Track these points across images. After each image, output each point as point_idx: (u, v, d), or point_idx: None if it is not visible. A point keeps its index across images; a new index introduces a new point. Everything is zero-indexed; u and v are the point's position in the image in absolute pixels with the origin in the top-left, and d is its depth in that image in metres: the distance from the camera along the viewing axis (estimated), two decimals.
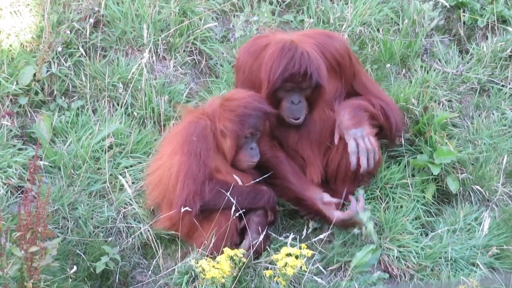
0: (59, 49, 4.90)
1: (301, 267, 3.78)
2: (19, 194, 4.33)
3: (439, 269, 4.43)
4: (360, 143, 4.29)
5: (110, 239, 4.30)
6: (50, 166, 4.50)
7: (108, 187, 4.44)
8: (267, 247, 4.24)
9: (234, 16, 5.42)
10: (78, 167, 4.50)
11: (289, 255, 3.78)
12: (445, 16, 5.65)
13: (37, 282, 3.59)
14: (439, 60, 5.41)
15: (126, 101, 4.86)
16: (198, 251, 4.09)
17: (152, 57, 5.08)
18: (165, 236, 4.30)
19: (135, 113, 4.84)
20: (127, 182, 4.34)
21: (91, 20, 5.04)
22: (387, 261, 4.45)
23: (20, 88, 4.73)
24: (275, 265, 3.84)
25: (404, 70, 5.32)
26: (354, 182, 4.50)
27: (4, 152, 4.45)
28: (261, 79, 4.27)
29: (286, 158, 4.37)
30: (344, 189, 4.39)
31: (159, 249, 4.27)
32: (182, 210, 3.99)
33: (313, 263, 4.17)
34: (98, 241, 4.22)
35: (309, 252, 3.82)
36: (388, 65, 5.21)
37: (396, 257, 4.44)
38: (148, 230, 4.30)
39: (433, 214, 4.74)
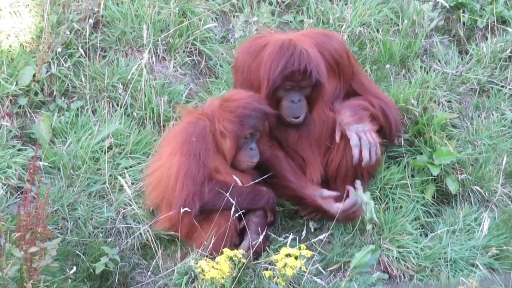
0: (59, 49, 4.90)
1: (300, 267, 3.78)
2: (18, 194, 4.32)
3: (438, 270, 4.43)
4: (362, 136, 4.27)
5: (109, 239, 4.30)
6: (50, 167, 4.49)
7: (107, 188, 4.44)
8: (267, 247, 4.24)
9: (233, 17, 5.42)
10: (77, 167, 4.50)
11: (288, 255, 3.78)
12: (444, 16, 5.65)
13: (36, 283, 3.59)
14: (439, 60, 5.41)
15: (126, 102, 4.86)
16: (198, 251, 4.09)
17: (151, 57, 5.07)
18: (164, 236, 4.30)
19: (134, 114, 4.84)
20: (126, 183, 4.34)
21: (91, 21, 5.03)
22: (387, 262, 4.46)
23: (19, 89, 4.73)
24: (275, 265, 3.83)
25: (403, 70, 5.32)
26: (354, 182, 4.49)
27: (4, 152, 4.45)
28: (260, 79, 4.27)
29: (285, 157, 4.37)
30: (344, 190, 4.38)
31: (158, 249, 4.27)
32: (182, 210, 3.99)
33: (312, 264, 4.17)
34: (97, 241, 4.22)
35: (308, 253, 3.82)
36: (388, 65, 5.21)
37: (396, 258, 4.45)
38: (148, 231, 4.30)
39: (433, 215, 4.74)
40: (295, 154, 4.43)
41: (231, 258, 3.78)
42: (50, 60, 4.87)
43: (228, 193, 4.03)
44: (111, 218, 4.36)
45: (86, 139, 4.60)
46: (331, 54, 4.38)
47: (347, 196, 4.29)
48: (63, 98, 4.89)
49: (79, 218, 4.30)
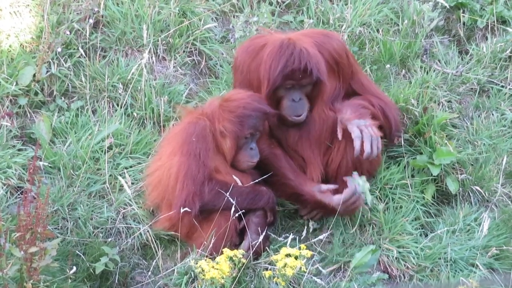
0: (59, 49, 4.90)
1: (300, 267, 3.78)
2: (18, 194, 4.32)
3: (438, 270, 4.43)
4: (363, 129, 4.25)
5: (109, 239, 4.30)
6: (50, 167, 4.50)
7: (107, 188, 4.44)
8: (267, 247, 4.24)
9: (233, 17, 5.42)
10: (77, 167, 4.50)
11: (288, 255, 3.78)
12: (444, 16, 5.65)
13: (36, 283, 3.59)
14: (439, 60, 5.41)
15: (126, 102, 4.86)
16: (198, 251, 4.09)
17: (151, 57, 5.08)
18: (164, 236, 4.30)
19: (134, 114, 4.84)
20: (126, 183, 4.34)
21: (91, 21, 5.03)
22: (387, 262, 4.46)
23: (19, 89, 4.73)
24: (275, 265, 3.83)
25: (403, 70, 5.32)
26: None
27: (4, 152, 4.45)
28: (260, 79, 4.27)
29: (283, 155, 4.36)
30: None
31: (158, 249, 4.27)
32: (182, 210, 3.99)
33: (312, 264, 4.17)
34: (97, 241, 4.22)
35: (308, 253, 3.82)
36: (388, 65, 5.21)
37: (396, 258, 4.45)
38: (148, 231, 4.30)
39: (433, 215, 4.74)
40: (295, 154, 4.43)
41: (231, 258, 3.78)
42: (50, 60, 4.87)
43: (228, 193, 4.03)
44: (111, 218, 4.36)
45: (86, 139, 4.60)
46: (330, 54, 4.38)
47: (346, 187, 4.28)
48: (63, 98, 4.89)
49: (79, 218, 4.30)
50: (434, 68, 5.31)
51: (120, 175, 4.48)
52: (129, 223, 4.36)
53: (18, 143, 4.59)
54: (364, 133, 4.24)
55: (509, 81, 5.33)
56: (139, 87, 4.87)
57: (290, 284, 4.14)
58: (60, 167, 4.47)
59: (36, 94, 4.80)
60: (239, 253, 3.80)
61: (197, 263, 3.79)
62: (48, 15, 4.95)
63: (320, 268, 4.24)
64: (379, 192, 4.64)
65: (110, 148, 4.60)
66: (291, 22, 5.49)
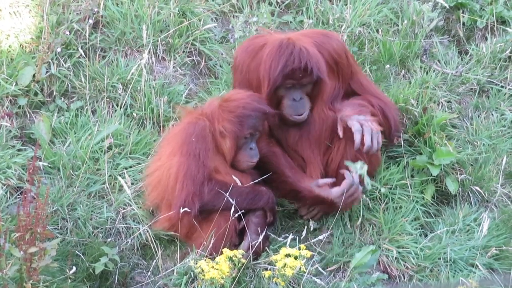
0: (59, 50, 4.90)
1: (300, 268, 3.78)
2: (18, 195, 4.32)
3: (438, 270, 4.43)
4: (364, 123, 4.24)
5: (109, 239, 4.30)
6: (49, 167, 4.50)
7: (107, 188, 4.44)
8: (266, 248, 4.24)
9: (233, 17, 5.42)
10: (77, 167, 4.50)
11: (288, 255, 3.78)
12: (444, 17, 5.65)
13: (36, 283, 3.60)
14: (439, 61, 5.41)
15: (126, 102, 4.86)
16: (197, 251, 4.09)
17: (151, 58, 5.08)
18: (164, 236, 4.30)
19: (134, 114, 4.84)
20: (126, 183, 4.34)
21: (91, 21, 5.04)
22: (386, 262, 4.46)
23: (19, 89, 4.73)
24: (274, 266, 3.83)
25: (403, 71, 5.32)
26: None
27: (4, 153, 4.45)
28: (260, 78, 4.27)
29: (282, 153, 4.36)
30: None
31: (158, 249, 4.27)
32: (181, 211, 3.99)
33: (312, 264, 4.17)
34: (97, 241, 4.22)
35: (308, 253, 3.81)
36: (388, 66, 5.21)
37: (395, 258, 4.45)
38: (147, 231, 4.30)
39: (432, 215, 4.74)
40: (295, 154, 4.43)
41: (230, 258, 3.78)
42: (50, 60, 4.87)
43: (227, 193, 4.03)
44: (110, 218, 4.36)
45: (86, 139, 4.60)
46: (330, 54, 4.38)
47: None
48: (62, 98, 4.89)
49: (79, 218, 4.30)
50: (434, 68, 5.31)
51: (120, 175, 4.48)
52: (129, 223, 4.36)
53: (17, 143, 4.59)
54: (364, 127, 4.23)
55: (508, 81, 5.33)
56: (138, 88, 4.88)
57: (290, 284, 4.14)
58: (60, 167, 4.47)
59: (35, 94, 4.80)
60: (238, 253, 3.80)
61: (196, 263, 3.79)
62: (47, 15, 4.95)
63: (320, 269, 4.24)
64: (378, 192, 4.64)
65: (109, 148, 4.60)
66: (290, 22, 5.49)
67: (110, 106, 4.89)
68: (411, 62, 5.32)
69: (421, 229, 4.64)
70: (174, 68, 5.14)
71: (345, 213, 4.56)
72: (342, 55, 4.44)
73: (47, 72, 4.84)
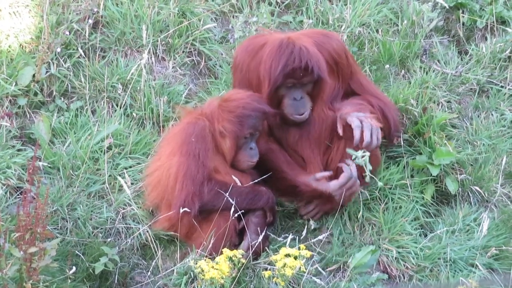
0: (58, 50, 4.90)
1: (300, 267, 3.78)
2: (18, 195, 4.32)
3: (438, 270, 4.43)
4: (363, 120, 4.24)
5: (109, 239, 4.30)
6: (49, 167, 4.50)
7: (107, 188, 4.44)
8: (266, 247, 4.24)
9: (233, 17, 5.42)
10: (77, 167, 4.50)
11: (288, 255, 3.78)
12: (444, 17, 5.66)
13: (36, 283, 3.60)
14: (438, 61, 5.41)
15: (125, 102, 4.86)
16: (197, 251, 4.09)
17: (151, 58, 5.08)
18: (164, 236, 4.30)
19: (134, 114, 4.84)
20: (126, 183, 4.34)
21: (90, 21, 5.04)
22: (386, 262, 4.45)
23: (19, 89, 4.73)
24: (274, 265, 3.83)
25: (403, 71, 5.32)
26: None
27: (3, 153, 4.45)
28: (260, 78, 4.27)
29: (279, 149, 4.36)
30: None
31: (158, 249, 4.27)
32: (181, 211, 3.99)
33: (312, 264, 4.16)
34: (97, 241, 4.22)
35: (308, 253, 3.81)
36: (387, 66, 5.21)
37: (395, 258, 4.45)
38: (147, 231, 4.29)
39: (432, 215, 4.74)
40: (295, 153, 4.43)
41: (230, 258, 3.78)
42: (50, 60, 4.87)
43: (227, 193, 4.03)
44: (110, 218, 4.36)
45: (86, 139, 4.60)
46: (330, 54, 4.38)
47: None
48: (62, 98, 4.89)
49: (79, 218, 4.30)
50: (434, 68, 5.31)
51: (120, 175, 4.48)
52: (129, 223, 4.36)
53: (17, 143, 4.59)
54: (364, 123, 4.23)
55: (508, 81, 5.33)
56: (138, 88, 4.88)
57: (290, 284, 4.14)
58: (60, 167, 4.47)
59: (35, 94, 4.80)
60: (238, 253, 3.80)
61: (196, 263, 3.79)
62: (47, 16, 4.95)
63: (320, 268, 4.24)
64: (378, 192, 4.64)
65: (109, 148, 4.60)
66: (290, 22, 5.49)
67: (110, 106, 4.89)
68: (411, 62, 5.32)
69: (421, 229, 4.64)
70: (173, 68, 5.14)
71: (345, 213, 4.57)
72: (342, 55, 4.44)
73: (47, 72, 4.84)
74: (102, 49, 5.11)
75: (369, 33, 5.36)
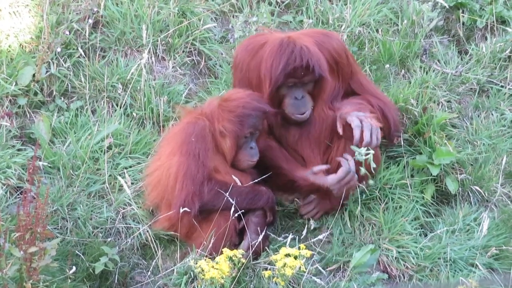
0: (58, 49, 4.90)
1: (300, 267, 3.78)
2: (18, 194, 4.32)
3: (438, 270, 4.42)
4: (363, 119, 4.24)
5: (109, 239, 4.30)
6: (49, 167, 4.50)
7: (107, 188, 4.44)
8: (266, 247, 4.24)
9: (233, 17, 5.42)
10: (77, 167, 4.50)
11: (288, 255, 3.78)
12: (444, 16, 5.66)
13: (36, 283, 3.59)
14: (438, 60, 5.41)
15: (125, 102, 4.86)
16: (197, 251, 4.09)
17: (151, 57, 5.08)
18: (164, 236, 4.30)
19: (134, 114, 4.84)
20: (126, 183, 4.34)
21: (90, 21, 5.04)
22: (386, 262, 4.45)
23: (19, 89, 4.73)
24: (274, 265, 3.83)
25: (403, 70, 5.32)
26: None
27: (3, 152, 4.45)
28: (260, 77, 4.27)
29: (277, 146, 4.36)
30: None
31: (158, 249, 4.27)
32: (181, 210, 3.99)
33: (312, 264, 4.16)
34: (97, 241, 4.22)
35: (308, 253, 3.81)
36: (387, 65, 5.21)
37: (395, 258, 4.45)
38: (147, 231, 4.29)
39: (432, 215, 4.74)
40: (295, 153, 4.43)
41: (230, 258, 3.78)
42: (50, 60, 4.87)
43: (227, 193, 4.03)
44: (110, 218, 4.36)
45: (86, 139, 4.60)
46: (330, 53, 4.38)
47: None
48: (62, 98, 4.89)
49: (79, 218, 4.30)
50: (434, 68, 5.31)
51: (120, 175, 4.48)
52: (129, 223, 4.36)
53: (17, 143, 4.59)
54: (364, 123, 4.22)
55: (508, 81, 5.33)
56: (138, 87, 4.88)
57: (290, 284, 4.14)
58: (60, 167, 4.47)
59: (35, 94, 4.80)
60: (238, 253, 3.80)
61: (196, 263, 3.79)
62: (47, 15, 4.95)
63: (320, 268, 4.24)
64: (378, 192, 4.64)
65: (109, 148, 4.60)
66: (290, 22, 5.49)
67: (110, 106, 4.89)
68: (411, 62, 5.32)
69: (421, 229, 4.64)
70: (174, 68, 5.14)
71: (345, 213, 4.57)
72: (342, 55, 4.43)
73: (47, 72, 4.84)
74: (102, 49, 5.11)
75: (369, 32, 5.36)
